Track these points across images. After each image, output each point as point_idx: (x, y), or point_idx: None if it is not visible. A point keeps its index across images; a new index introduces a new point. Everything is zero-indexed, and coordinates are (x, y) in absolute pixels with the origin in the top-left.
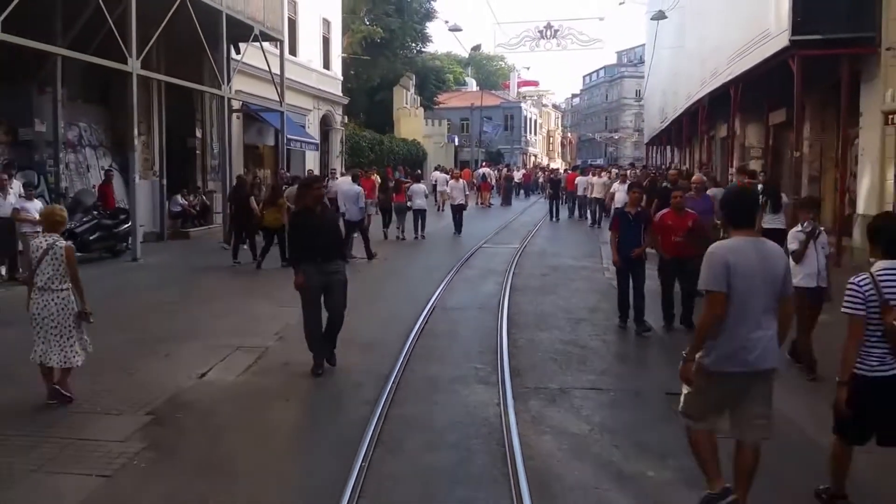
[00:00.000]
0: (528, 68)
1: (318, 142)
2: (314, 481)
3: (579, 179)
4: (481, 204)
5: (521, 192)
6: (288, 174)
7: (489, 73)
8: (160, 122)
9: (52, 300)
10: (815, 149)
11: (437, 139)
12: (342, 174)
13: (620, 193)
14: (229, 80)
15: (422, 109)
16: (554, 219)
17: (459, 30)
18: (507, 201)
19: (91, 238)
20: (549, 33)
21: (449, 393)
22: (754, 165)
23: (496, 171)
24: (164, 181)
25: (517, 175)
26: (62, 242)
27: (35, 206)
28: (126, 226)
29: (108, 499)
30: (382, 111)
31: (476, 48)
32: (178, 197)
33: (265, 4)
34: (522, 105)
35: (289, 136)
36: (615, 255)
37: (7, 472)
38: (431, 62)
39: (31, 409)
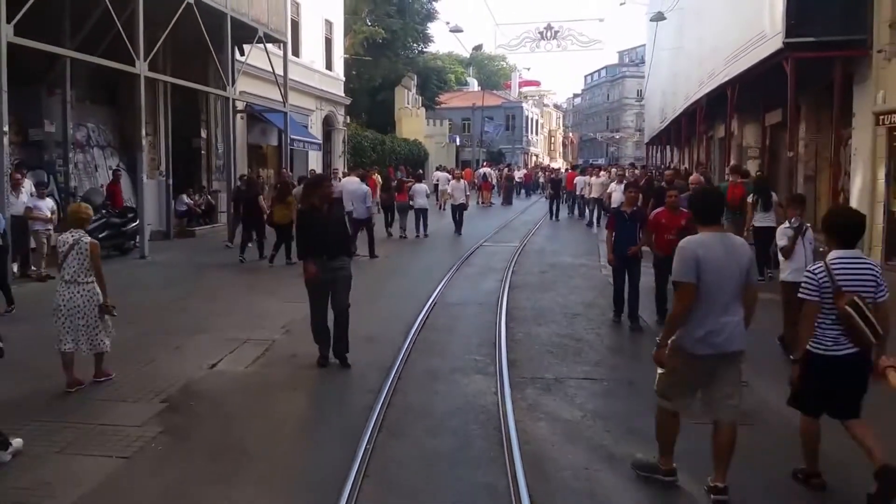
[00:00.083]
0: (528, 69)
1: (321, 142)
2: (321, 463)
3: (578, 179)
4: (482, 203)
5: (522, 191)
6: (290, 174)
7: (490, 73)
8: (166, 122)
9: (79, 292)
10: (810, 149)
11: (439, 139)
12: (344, 174)
13: (617, 193)
14: (234, 82)
15: (423, 109)
16: (554, 218)
17: (460, 31)
18: (507, 201)
19: (100, 236)
20: (549, 34)
21: (449, 383)
22: (751, 165)
23: (497, 171)
24: (170, 181)
25: (518, 175)
26: (87, 238)
27: (47, 205)
28: (134, 224)
29: (127, 478)
30: (384, 111)
31: (477, 48)
32: (184, 196)
33: (269, 7)
34: (524, 105)
35: (292, 137)
36: (610, 254)
37: (32, 454)
38: (433, 62)
39: (50, 398)
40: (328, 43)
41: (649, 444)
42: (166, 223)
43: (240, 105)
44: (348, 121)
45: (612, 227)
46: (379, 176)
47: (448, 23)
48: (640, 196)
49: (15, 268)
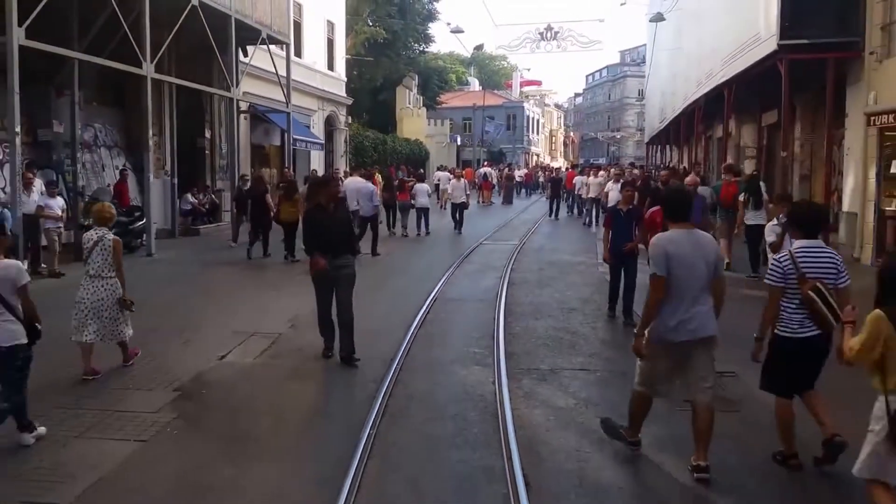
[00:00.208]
0: (528, 69)
1: (323, 142)
2: (328, 446)
3: (577, 179)
4: (483, 202)
5: (523, 190)
6: (291, 174)
7: (492, 72)
8: (171, 123)
9: (103, 286)
10: (805, 149)
11: (440, 139)
12: (346, 173)
13: (614, 192)
14: (238, 83)
15: (424, 109)
16: (553, 217)
17: (461, 31)
18: (508, 200)
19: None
20: (549, 35)
21: (448, 373)
22: (749, 165)
23: (497, 171)
24: (175, 180)
25: (518, 174)
26: (110, 236)
27: (58, 204)
28: (141, 223)
29: (145, 460)
30: (385, 111)
31: (479, 48)
32: (189, 195)
33: (272, 9)
34: (525, 105)
35: (295, 137)
36: (606, 252)
37: (52, 438)
38: (434, 62)
39: (68, 387)
40: (330, 44)
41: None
42: (171, 222)
43: (243, 106)
44: (350, 121)
45: (609, 226)
46: (380, 175)
47: (449, 23)
48: (637, 195)
49: (26, 265)
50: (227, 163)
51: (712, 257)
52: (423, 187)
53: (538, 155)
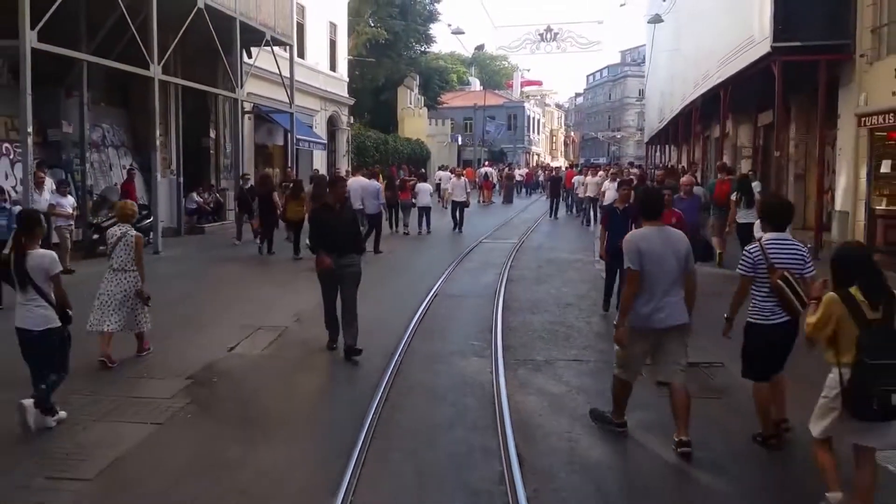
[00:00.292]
0: (528, 70)
1: (326, 142)
2: (334, 429)
3: (576, 178)
4: (483, 202)
5: (523, 190)
6: (293, 173)
7: (493, 72)
8: (177, 123)
9: (126, 279)
10: (800, 148)
11: (441, 138)
12: (347, 172)
13: (610, 191)
14: (242, 84)
15: (425, 109)
16: (553, 216)
17: (462, 32)
18: (508, 199)
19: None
20: (549, 36)
21: (448, 364)
22: (745, 164)
23: (498, 171)
24: (181, 179)
25: (518, 174)
26: (133, 232)
27: (69, 202)
28: (148, 221)
29: (161, 440)
30: (387, 111)
31: (479, 48)
32: (194, 194)
33: (276, 11)
34: (525, 104)
35: (298, 137)
36: (602, 250)
37: (74, 421)
38: (435, 62)
39: (86, 375)
40: (332, 45)
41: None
42: (177, 220)
43: (247, 106)
44: (352, 121)
45: (606, 224)
46: (381, 175)
47: (450, 25)
48: (633, 194)
49: None
50: (231, 162)
51: (682, 253)
52: (425, 186)
53: (539, 155)
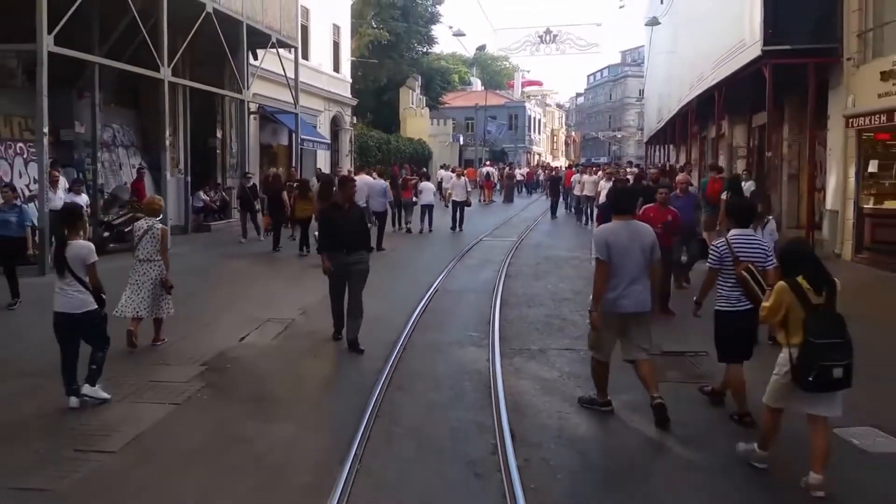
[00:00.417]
0: (528, 71)
1: (329, 142)
2: (340, 408)
3: (574, 177)
4: (484, 201)
5: (524, 189)
6: (296, 173)
7: (494, 73)
8: (185, 123)
9: (152, 268)
10: (793, 149)
11: (443, 138)
12: (349, 171)
13: (606, 190)
14: (248, 85)
15: (427, 109)
16: (553, 215)
17: (463, 35)
18: (509, 199)
19: (126, 230)
20: (548, 38)
21: (447, 353)
22: (740, 164)
23: (498, 170)
24: (189, 178)
25: (519, 173)
26: (158, 225)
27: (83, 200)
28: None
29: (180, 418)
30: (389, 111)
31: (481, 48)
32: (201, 193)
33: (281, 14)
34: (526, 105)
35: (302, 137)
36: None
37: (95, 403)
38: (437, 63)
39: (108, 361)
40: (336, 46)
41: (613, 394)
42: (185, 218)
43: (253, 107)
44: (355, 121)
45: (601, 222)
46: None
47: (451, 27)
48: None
49: (49, 259)
50: (237, 162)
51: (648, 245)
52: (428, 185)
53: (540, 154)
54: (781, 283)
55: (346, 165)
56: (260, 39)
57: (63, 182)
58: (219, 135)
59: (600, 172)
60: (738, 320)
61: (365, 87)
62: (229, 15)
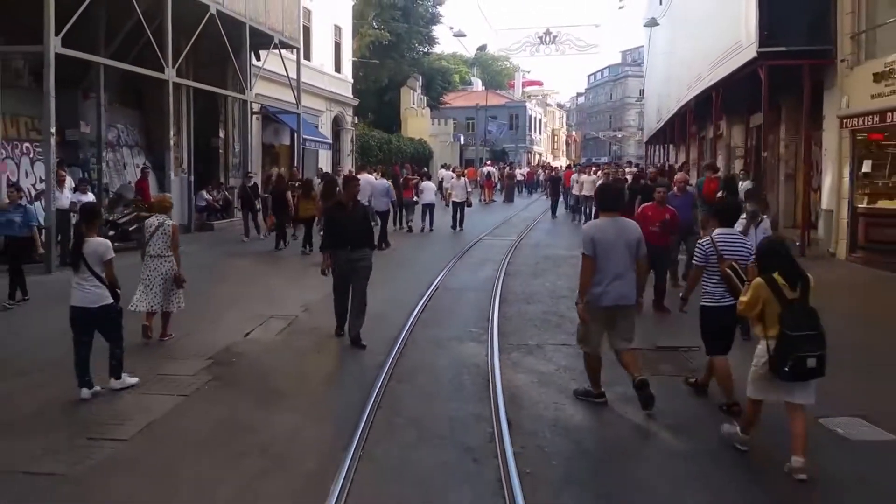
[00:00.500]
0: (528, 72)
1: (331, 141)
2: (343, 400)
3: (573, 177)
4: (485, 201)
5: (524, 189)
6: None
7: (494, 73)
8: (188, 124)
9: (163, 264)
10: (790, 149)
11: (444, 138)
12: (350, 171)
13: None
14: (251, 86)
15: (428, 109)
16: (553, 215)
17: (463, 35)
18: (509, 198)
19: (130, 229)
20: (548, 39)
21: (447, 348)
22: (738, 164)
23: (498, 170)
24: (191, 178)
25: (520, 173)
26: (169, 221)
27: (89, 199)
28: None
29: (188, 408)
30: (390, 111)
31: (481, 48)
32: (204, 192)
33: (284, 16)
34: (527, 104)
35: (304, 136)
36: None
37: (111, 393)
38: (437, 63)
39: None
40: (337, 47)
41: (606, 387)
42: (188, 217)
43: (255, 107)
44: (356, 121)
45: None
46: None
47: (451, 28)
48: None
49: (57, 258)
50: (239, 161)
51: (633, 241)
52: (430, 185)
53: (541, 154)
54: (758, 279)
55: (348, 165)
56: (262, 40)
57: (69, 181)
58: (222, 135)
59: (599, 172)
60: (723, 315)
61: (366, 88)
62: (232, 16)
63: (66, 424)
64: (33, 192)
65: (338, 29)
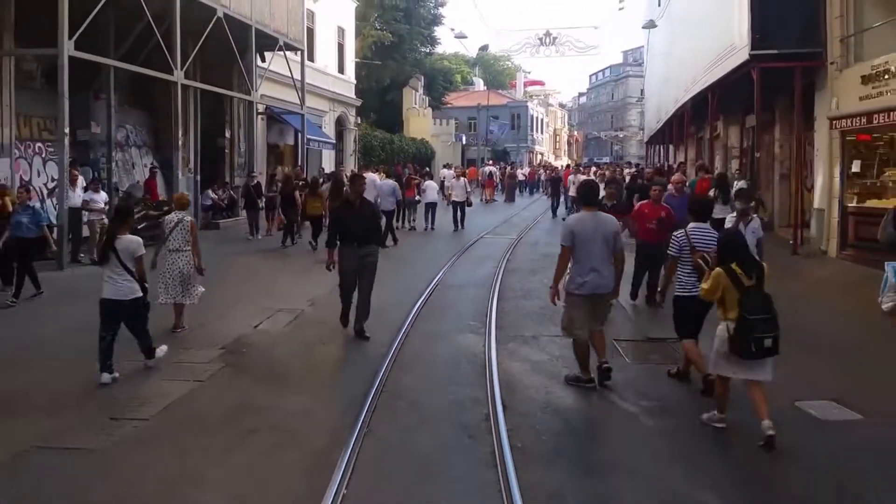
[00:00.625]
0: (529, 73)
1: (334, 141)
2: (349, 385)
3: (571, 177)
4: (486, 200)
5: (525, 189)
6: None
7: (496, 73)
8: (195, 124)
9: (181, 258)
10: (785, 149)
11: (445, 138)
12: (352, 171)
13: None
14: (256, 87)
15: (430, 109)
16: (553, 214)
17: (465, 37)
18: (510, 198)
19: (139, 227)
20: (548, 40)
21: (447, 339)
22: (735, 164)
23: (499, 170)
24: (199, 177)
25: (521, 173)
26: (188, 218)
27: (101, 197)
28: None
29: (204, 392)
30: (392, 111)
31: (483, 48)
32: (210, 191)
33: (288, 18)
34: (529, 104)
35: (308, 137)
36: None
37: (130, 381)
38: (439, 63)
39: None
40: (340, 48)
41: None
42: (195, 216)
43: (260, 108)
44: (359, 121)
45: None
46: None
47: (453, 29)
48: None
49: (67, 254)
50: (245, 161)
51: (610, 235)
52: (432, 184)
53: (542, 154)
54: (718, 268)
55: (350, 165)
56: (267, 42)
57: (81, 180)
58: (227, 135)
59: (596, 172)
60: (694, 304)
61: (368, 88)
62: (239, 19)
63: (89, 406)
64: (45, 192)
65: (341, 30)
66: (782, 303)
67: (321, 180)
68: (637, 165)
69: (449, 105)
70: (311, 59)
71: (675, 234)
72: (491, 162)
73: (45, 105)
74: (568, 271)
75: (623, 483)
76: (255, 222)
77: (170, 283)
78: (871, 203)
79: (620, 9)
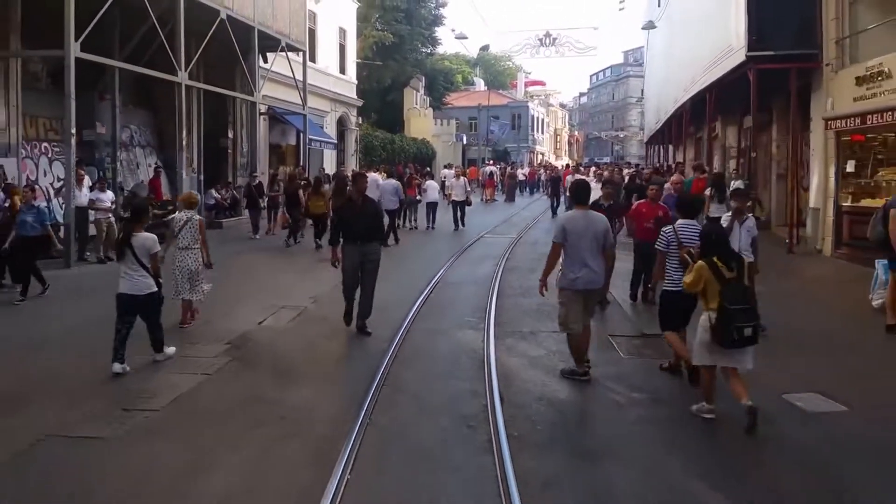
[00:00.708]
0: (529, 73)
1: (336, 141)
2: (351, 379)
3: (569, 178)
4: (486, 200)
5: (526, 189)
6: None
7: (497, 73)
8: (199, 124)
9: (190, 255)
10: (782, 149)
11: (446, 138)
12: (353, 171)
13: (596, 191)
14: (259, 88)
15: (431, 109)
16: (553, 214)
17: (465, 38)
18: (510, 198)
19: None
20: (548, 41)
21: (447, 335)
22: (733, 164)
23: (500, 169)
24: (202, 177)
25: (521, 173)
26: (197, 216)
27: (108, 197)
28: (173, 215)
29: (212, 385)
30: (394, 111)
31: (484, 48)
32: (213, 191)
33: (291, 20)
34: (529, 104)
35: (310, 137)
36: None
37: (139, 374)
38: (440, 63)
39: (139, 340)
40: (342, 49)
41: (592, 368)
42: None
43: (263, 108)
44: (360, 121)
45: None
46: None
47: (454, 30)
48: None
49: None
50: (247, 161)
51: (601, 233)
52: (433, 184)
53: (543, 154)
54: (700, 262)
55: (352, 165)
56: (270, 43)
57: (87, 180)
58: (230, 135)
59: (595, 171)
60: (682, 299)
61: (370, 88)
62: (242, 21)
63: (101, 398)
64: (52, 191)
65: (342, 31)
66: (776, 300)
67: (323, 181)
68: (636, 165)
69: (450, 105)
70: (312, 59)
71: (663, 229)
72: (491, 162)
73: (51, 105)
74: (559, 267)
75: (615, 469)
76: (258, 222)
77: (183, 279)
78: (866, 202)
79: (621, 9)
